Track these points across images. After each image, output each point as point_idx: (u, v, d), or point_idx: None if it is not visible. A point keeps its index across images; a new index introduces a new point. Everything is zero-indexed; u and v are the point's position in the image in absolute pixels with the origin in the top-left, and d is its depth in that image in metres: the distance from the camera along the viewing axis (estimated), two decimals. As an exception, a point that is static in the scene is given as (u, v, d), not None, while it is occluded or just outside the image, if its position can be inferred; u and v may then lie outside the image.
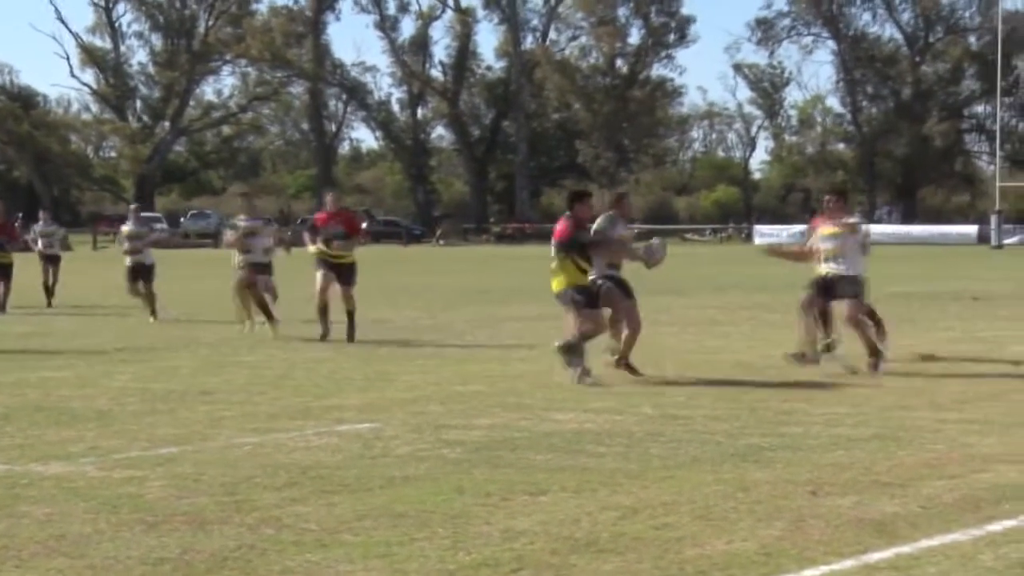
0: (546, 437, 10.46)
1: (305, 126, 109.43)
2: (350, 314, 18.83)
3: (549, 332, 19.81)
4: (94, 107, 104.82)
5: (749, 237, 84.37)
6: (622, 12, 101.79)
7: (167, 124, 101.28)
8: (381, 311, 23.63)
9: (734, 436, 10.41)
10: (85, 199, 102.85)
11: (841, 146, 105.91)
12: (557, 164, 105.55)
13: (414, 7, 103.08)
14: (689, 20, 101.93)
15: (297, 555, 6.84)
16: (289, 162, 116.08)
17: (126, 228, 24.85)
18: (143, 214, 24.32)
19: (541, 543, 7.06)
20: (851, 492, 8.25)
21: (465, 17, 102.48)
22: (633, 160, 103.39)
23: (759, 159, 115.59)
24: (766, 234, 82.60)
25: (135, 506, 7.98)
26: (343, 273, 19.30)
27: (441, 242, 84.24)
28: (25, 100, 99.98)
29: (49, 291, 27.94)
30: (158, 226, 25.57)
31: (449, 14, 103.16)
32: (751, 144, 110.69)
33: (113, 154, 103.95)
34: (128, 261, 23.96)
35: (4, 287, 25.85)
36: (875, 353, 14.61)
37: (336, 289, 19.03)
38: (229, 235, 21.28)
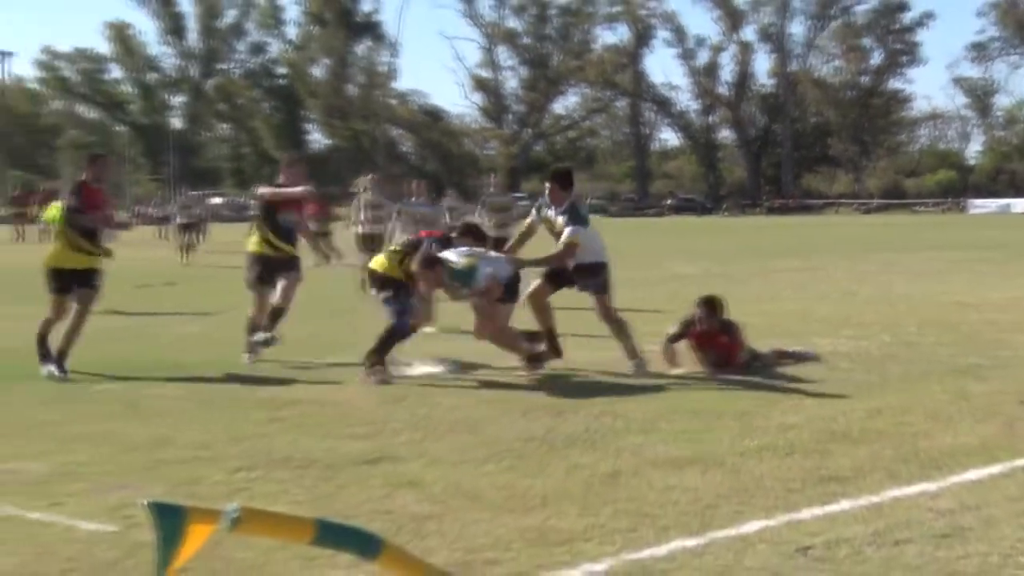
0: (809, 356, 10.13)
1: (626, 130, 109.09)
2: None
3: (809, 281, 19.23)
4: (480, 119, 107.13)
5: (964, 208, 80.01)
6: (866, 41, 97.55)
7: (530, 131, 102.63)
8: (680, 266, 23.37)
9: (956, 357, 9.85)
10: (474, 185, 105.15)
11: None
12: (813, 155, 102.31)
13: (708, 42, 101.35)
14: (918, 46, 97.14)
15: (627, 437, 6.82)
16: (615, 156, 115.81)
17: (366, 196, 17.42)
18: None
19: (807, 434, 6.84)
20: (1052, 403, 7.71)
21: (745, 48, 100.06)
22: (872, 152, 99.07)
23: (974, 149, 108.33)
24: (979, 206, 78.41)
25: (512, 399, 8.12)
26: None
27: (726, 214, 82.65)
28: (434, 116, 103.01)
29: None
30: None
31: (733, 47, 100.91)
32: (967, 138, 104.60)
33: (493, 152, 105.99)
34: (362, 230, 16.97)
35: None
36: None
37: None
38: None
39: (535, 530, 4.91)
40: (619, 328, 9.56)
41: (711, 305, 9.48)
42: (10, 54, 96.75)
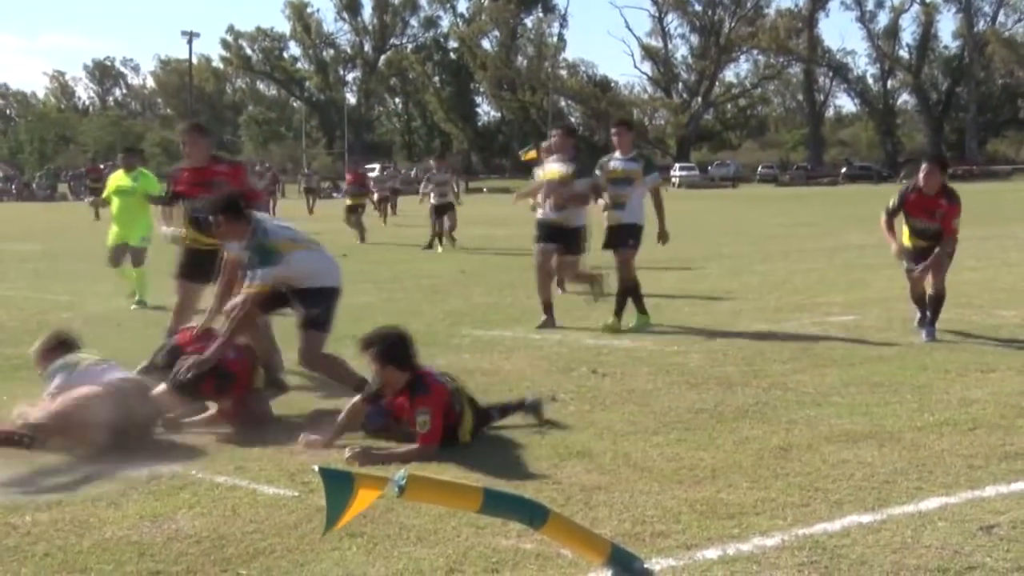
0: (994, 329, 9.73)
1: (800, 97, 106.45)
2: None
3: (995, 249, 18.41)
4: (649, 89, 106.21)
5: None
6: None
7: (699, 99, 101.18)
8: (856, 236, 22.68)
9: None
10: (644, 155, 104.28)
11: None
12: (1001, 119, 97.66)
13: (888, 3, 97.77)
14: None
15: (799, 410, 6.69)
16: (787, 123, 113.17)
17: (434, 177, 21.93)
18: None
19: (991, 409, 6.57)
20: None
21: (928, 9, 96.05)
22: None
23: None
24: None
25: (681, 371, 8.05)
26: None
27: (904, 181, 79.73)
28: (602, 86, 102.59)
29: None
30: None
31: (916, 7, 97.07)
32: None
33: (662, 122, 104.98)
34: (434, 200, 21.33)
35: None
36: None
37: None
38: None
39: (705, 502, 4.86)
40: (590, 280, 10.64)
41: (940, 162, 9.35)
42: (196, 35, 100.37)
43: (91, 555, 4.39)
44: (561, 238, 10.17)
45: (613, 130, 10.76)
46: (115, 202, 13.08)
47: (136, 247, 12.92)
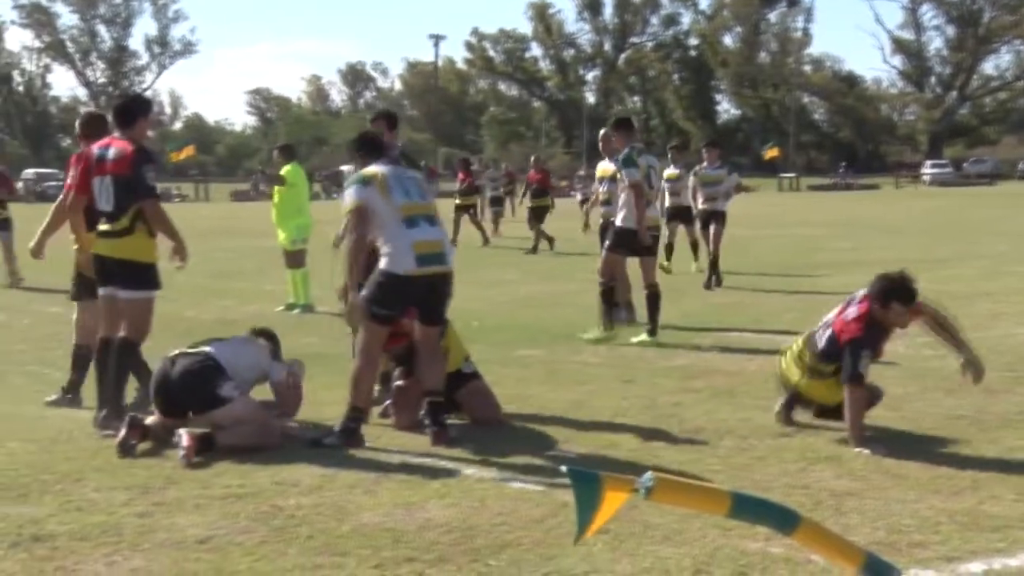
0: None
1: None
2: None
3: None
4: (899, 83, 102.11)
5: None
6: None
7: (954, 93, 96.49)
8: None
9: None
10: (890, 152, 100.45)
11: None
12: None
13: None
14: None
15: (1069, 422, 6.28)
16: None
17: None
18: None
19: None
20: None
21: None
22: None
23: None
24: None
25: (936, 376, 7.70)
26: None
27: None
28: (849, 81, 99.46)
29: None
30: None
31: None
32: None
33: (911, 118, 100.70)
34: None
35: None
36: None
37: None
38: None
39: (966, 513, 4.64)
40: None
41: None
42: (443, 37, 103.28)
43: (350, 539, 4.59)
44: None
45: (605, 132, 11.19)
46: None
47: (285, 249, 12.55)
